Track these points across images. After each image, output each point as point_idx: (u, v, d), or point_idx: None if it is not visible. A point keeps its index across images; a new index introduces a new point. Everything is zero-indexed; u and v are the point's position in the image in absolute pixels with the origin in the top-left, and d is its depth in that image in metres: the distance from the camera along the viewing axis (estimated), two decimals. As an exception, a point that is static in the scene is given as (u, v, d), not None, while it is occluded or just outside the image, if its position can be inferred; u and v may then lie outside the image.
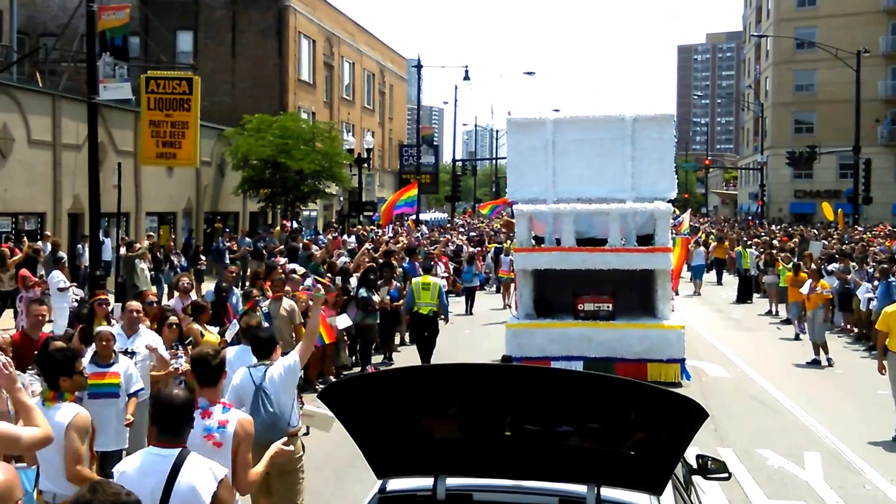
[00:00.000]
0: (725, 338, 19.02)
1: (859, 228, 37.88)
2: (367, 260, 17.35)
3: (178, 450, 4.31)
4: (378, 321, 15.28)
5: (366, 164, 37.96)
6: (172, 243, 24.51)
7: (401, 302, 15.67)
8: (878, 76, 56.97)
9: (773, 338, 19.57)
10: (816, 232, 39.04)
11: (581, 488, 3.96)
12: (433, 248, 23.26)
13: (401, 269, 18.06)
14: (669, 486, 4.10)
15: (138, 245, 20.49)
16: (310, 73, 43.64)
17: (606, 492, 3.94)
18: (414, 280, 15.29)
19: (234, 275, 15.14)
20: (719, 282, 31.08)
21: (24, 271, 16.17)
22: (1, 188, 22.49)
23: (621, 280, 13.95)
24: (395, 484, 4.23)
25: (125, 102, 27.23)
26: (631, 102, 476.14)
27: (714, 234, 39.83)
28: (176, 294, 12.78)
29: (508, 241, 24.43)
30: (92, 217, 18.81)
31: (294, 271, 14.89)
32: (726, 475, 5.63)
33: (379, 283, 15.57)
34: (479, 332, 19.19)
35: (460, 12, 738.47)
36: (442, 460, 4.13)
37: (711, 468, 5.52)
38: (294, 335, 11.72)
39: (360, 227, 33.28)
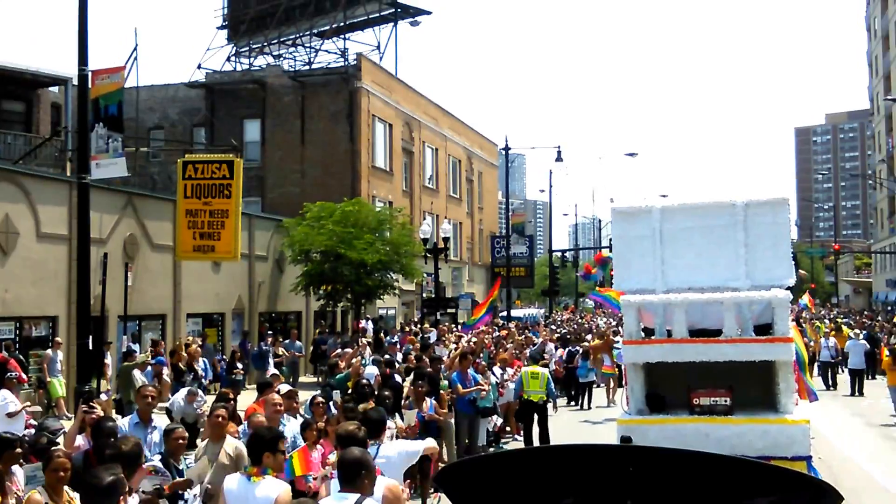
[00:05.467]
0: (892, 469, 13.96)
1: None
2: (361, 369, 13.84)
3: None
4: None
5: (443, 256, 34.13)
6: (200, 348, 20.98)
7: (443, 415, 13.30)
8: None
9: None
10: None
11: None
12: (504, 351, 19.15)
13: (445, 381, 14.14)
14: None
15: (142, 353, 17.16)
16: (386, 160, 40.62)
17: None
18: (523, 370, 16.68)
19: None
20: (858, 391, 24.76)
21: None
22: (1, 288, 19.60)
23: (738, 373, 12.94)
24: None
25: (161, 189, 24.52)
26: (746, 186, 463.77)
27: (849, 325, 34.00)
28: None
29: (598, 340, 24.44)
30: (80, 321, 15.66)
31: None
32: None
33: (407, 401, 12.51)
34: (591, 429, 18.93)
35: (556, 96, 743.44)
36: None
37: None
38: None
39: (442, 326, 29.13)
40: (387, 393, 11.33)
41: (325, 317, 32.31)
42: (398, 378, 14.25)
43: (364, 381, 12.86)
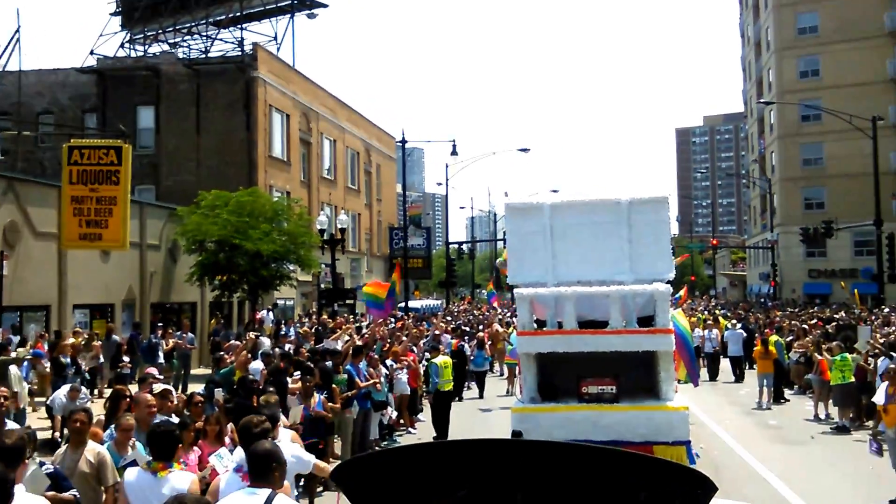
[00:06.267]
0: (768, 457, 14.69)
1: (885, 310, 33.90)
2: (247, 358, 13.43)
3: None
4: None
5: (341, 247, 34.27)
6: (83, 341, 20.33)
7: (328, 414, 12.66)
8: (889, 148, 53.75)
9: (835, 456, 15.03)
10: (845, 312, 35.09)
11: None
12: (399, 343, 19.36)
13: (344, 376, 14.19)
14: None
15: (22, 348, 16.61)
16: (283, 150, 40.36)
17: None
18: (437, 360, 17.44)
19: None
20: (738, 377, 26.46)
21: None
22: None
23: (624, 363, 13.69)
24: None
25: (52, 176, 23.81)
26: (632, 183, 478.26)
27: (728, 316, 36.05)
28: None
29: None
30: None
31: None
32: None
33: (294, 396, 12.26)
34: (488, 417, 19.37)
35: (453, 91, 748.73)
36: None
37: None
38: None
39: (339, 318, 29.25)
40: (271, 389, 10.67)
41: (222, 307, 31.98)
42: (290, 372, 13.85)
43: (250, 376, 12.66)
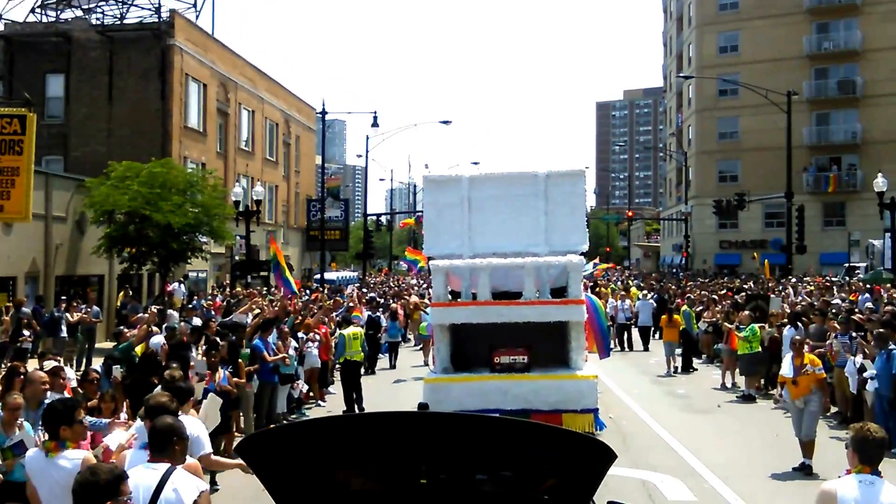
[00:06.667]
0: (676, 426, 14.92)
1: (792, 280, 35.12)
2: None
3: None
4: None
5: (256, 219, 33.74)
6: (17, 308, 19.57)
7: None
8: (802, 123, 55.58)
9: (740, 424, 15.29)
10: (753, 283, 36.25)
11: None
12: (311, 316, 19.14)
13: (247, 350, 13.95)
14: None
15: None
16: (199, 120, 39.29)
17: None
18: (345, 331, 17.35)
19: None
20: (645, 346, 27.12)
21: None
22: None
23: (536, 333, 14.10)
24: None
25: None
26: (552, 156, 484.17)
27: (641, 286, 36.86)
28: None
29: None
30: None
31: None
32: None
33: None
34: (401, 388, 19.38)
35: (375, 64, 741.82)
36: None
37: None
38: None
39: (252, 290, 28.82)
40: (175, 364, 10.10)
41: (131, 280, 31.22)
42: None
43: (150, 350, 12.39)
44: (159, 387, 8.27)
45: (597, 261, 41.08)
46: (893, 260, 31.91)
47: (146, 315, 14.77)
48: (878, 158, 51.20)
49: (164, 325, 15.38)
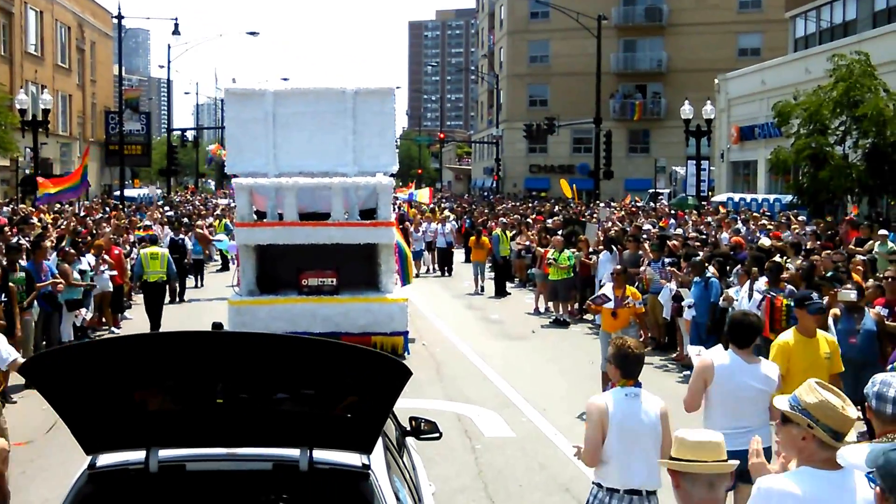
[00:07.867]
0: (490, 353, 14.54)
1: (601, 205, 36.48)
2: None
3: None
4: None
5: (45, 129, 30.82)
6: None
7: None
8: (610, 49, 56.92)
9: (555, 352, 14.97)
10: (561, 206, 37.36)
11: (294, 452, 4.09)
12: (101, 237, 17.60)
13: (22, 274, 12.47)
14: (380, 445, 4.33)
15: None
16: (-25, 19, 35.25)
17: (319, 454, 4.11)
18: (142, 251, 16.57)
19: None
20: (448, 271, 26.91)
21: None
22: None
23: (345, 255, 13.98)
24: (106, 459, 4.17)
25: None
26: (364, 74, 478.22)
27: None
28: None
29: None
30: None
31: None
32: (437, 435, 5.77)
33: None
34: (206, 308, 18.37)
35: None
36: (154, 432, 4.10)
37: (424, 429, 5.72)
38: None
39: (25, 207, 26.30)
40: None
41: None
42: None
43: None
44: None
45: (412, 189, 40.93)
46: (697, 186, 33.88)
47: None
48: (682, 87, 52.78)
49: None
